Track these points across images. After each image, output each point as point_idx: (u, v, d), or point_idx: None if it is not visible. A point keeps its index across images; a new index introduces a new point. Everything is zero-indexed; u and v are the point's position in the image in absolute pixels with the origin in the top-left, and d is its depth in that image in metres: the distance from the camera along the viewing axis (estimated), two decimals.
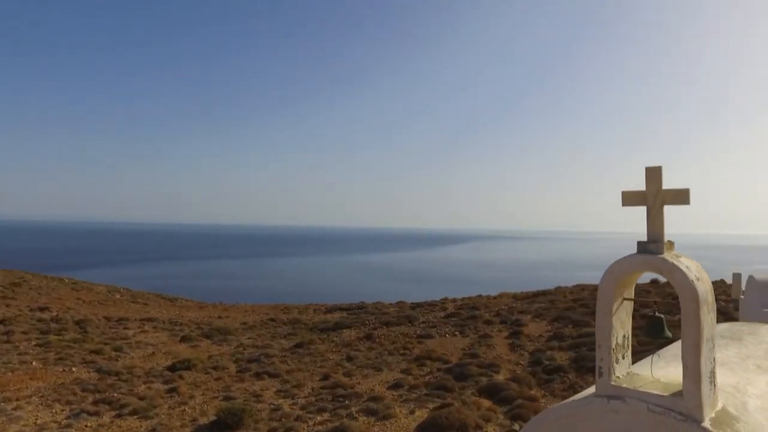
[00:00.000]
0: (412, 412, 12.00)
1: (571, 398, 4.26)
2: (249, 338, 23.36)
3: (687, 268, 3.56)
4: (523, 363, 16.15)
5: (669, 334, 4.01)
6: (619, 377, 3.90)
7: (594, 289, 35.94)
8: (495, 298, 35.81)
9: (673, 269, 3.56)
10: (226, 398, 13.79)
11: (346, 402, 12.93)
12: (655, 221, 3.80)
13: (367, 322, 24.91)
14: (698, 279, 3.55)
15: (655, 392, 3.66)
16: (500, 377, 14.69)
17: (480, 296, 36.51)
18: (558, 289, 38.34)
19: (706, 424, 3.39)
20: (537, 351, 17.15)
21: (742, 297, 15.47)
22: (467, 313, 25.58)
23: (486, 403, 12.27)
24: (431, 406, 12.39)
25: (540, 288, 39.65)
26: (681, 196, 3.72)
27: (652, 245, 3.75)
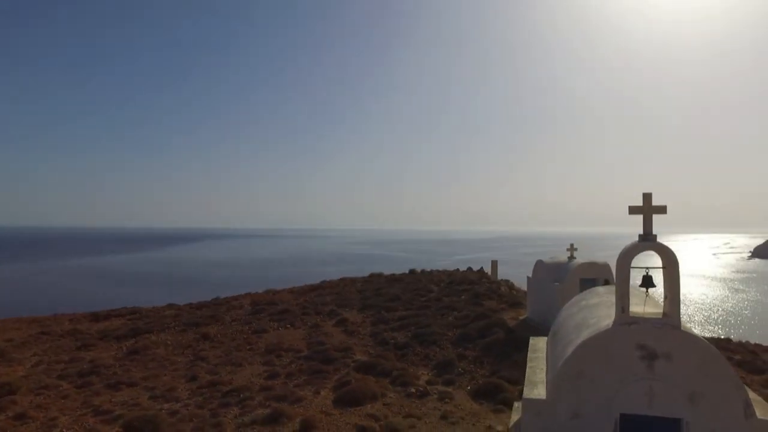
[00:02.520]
0: (317, 393, 13.85)
1: (591, 334, 7.24)
2: (36, 355, 21.03)
3: (670, 248, 6.98)
4: (370, 344, 19.12)
5: (655, 285, 7.33)
6: (631, 311, 7.12)
7: (364, 281, 41.10)
8: (276, 294, 37.85)
9: (665, 249, 6.95)
10: (99, 412, 13.33)
11: (242, 395, 13.97)
12: (648, 224, 7.15)
13: (169, 325, 24.67)
14: (674, 254, 6.99)
15: (653, 316, 6.98)
16: (361, 357, 17.37)
17: (245, 294, 38.14)
18: (324, 282, 42.51)
19: (682, 328, 6.82)
20: (375, 334, 20.35)
21: (529, 276, 21.29)
22: (273, 309, 27.37)
23: (371, 378, 14.84)
24: (329, 386, 14.41)
25: (284, 285, 43.06)
26: (662, 209, 7.15)
27: (649, 236, 7.07)
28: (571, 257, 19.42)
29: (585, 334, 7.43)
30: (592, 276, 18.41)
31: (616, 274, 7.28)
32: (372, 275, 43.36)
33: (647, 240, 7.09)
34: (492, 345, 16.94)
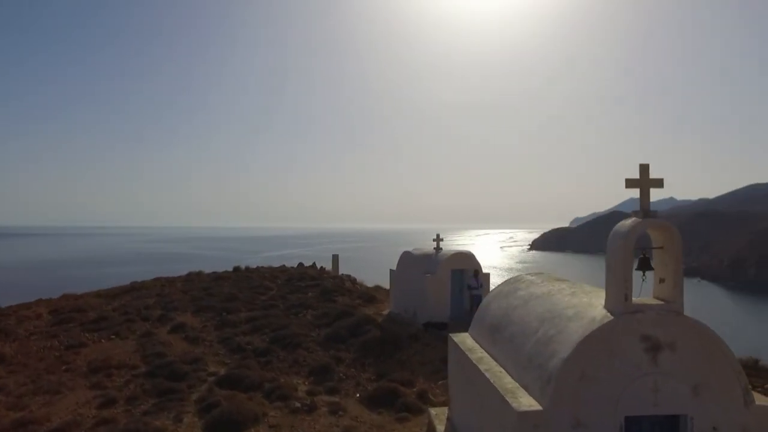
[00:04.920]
0: (179, 420, 11.09)
1: (592, 327, 6.21)
2: None
3: (672, 225, 6.28)
4: (222, 352, 16.49)
5: (653, 267, 6.55)
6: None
7: (184, 280, 37.18)
8: (79, 299, 32.42)
9: (666, 225, 6.24)
10: None
11: None
12: (645, 198, 6.39)
13: None
14: (677, 232, 6.31)
15: (655, 303, 6.24)
16: (217, 369, 14.77)
17: (37, 301, 32.15)
18: (137, 284, 37.63)
19: (685, 313, 6.17)
20: (224, 339, 17.68)
21: (392, 269, 20.43)
22: (84, 317, 22.84)
23: (240, 394, 12.48)
24: (190, 409, 11.72)
25: (79, 288, 37.59)
26: (658, 183, 6.43)
27: (649, 212, 6.31)
28: (438, 248, 18.98)
29: (576, 328, 6.42)
30: (462, 267, 18.16)
31: (614, 257, 6.38)
32: (192, 274, 39.41)
33: (648, 216, 6.31)
34: (369, 344, 15.59)
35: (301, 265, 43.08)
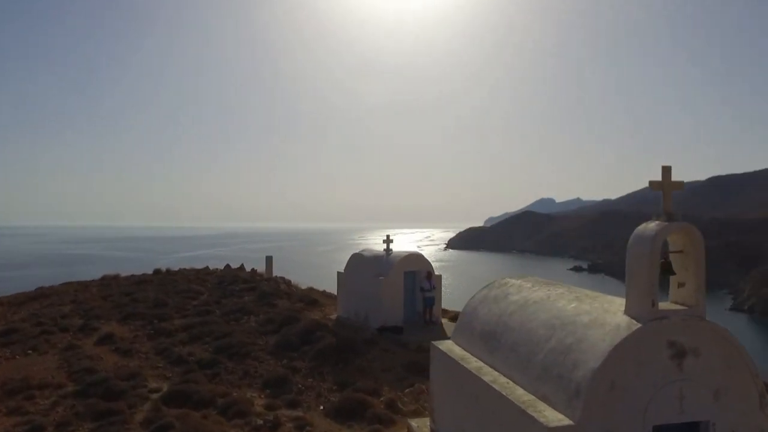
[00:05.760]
0: None
1: (621, 336, 5.92)
2: None
3: (695, 228, 6.15)
4: (162, 365, 15.14)
5: (675, 272, 6.35)
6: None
7: (99, 285, 34.57)
8: None
9: (693, 229, 6.10)
10: None
11: None
12: (668, 201, 6.24)
13: None
14: (700, 234, 6.18)
15: (677, 308, 6.09)
16: (158, 384, 13.49)
17: None
18: (45, 289, 34.66)
19: (706, 318, 6.06)
20: (161, 350, 16.29)
21: (340, 271, 19.73)
22: None
23: (192, 412, 11.40)
24: None
25: None
26: (679, 185, 6.29)
27: (674, 216, 6.15)
28: (389, 250, 18.49)
29: (599, 336, 6.13)
30: (415, 268, 17.78)
31: (639, 261, 6.15)
32: (108, 277, 36.62)
33: (672, 220, 6.12)
34: (324, 352, 14.81)
35: (228, 266, 41.18)
